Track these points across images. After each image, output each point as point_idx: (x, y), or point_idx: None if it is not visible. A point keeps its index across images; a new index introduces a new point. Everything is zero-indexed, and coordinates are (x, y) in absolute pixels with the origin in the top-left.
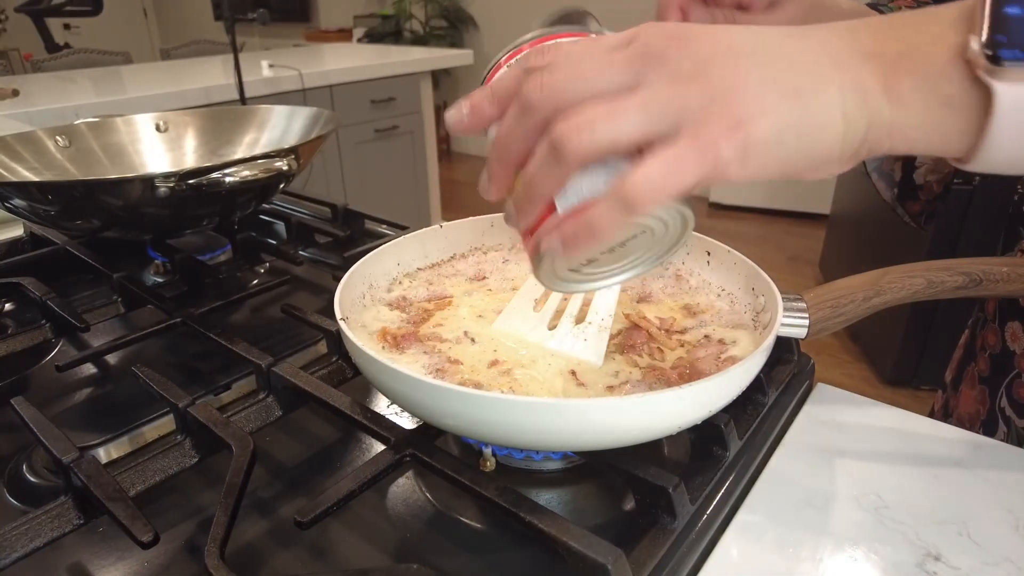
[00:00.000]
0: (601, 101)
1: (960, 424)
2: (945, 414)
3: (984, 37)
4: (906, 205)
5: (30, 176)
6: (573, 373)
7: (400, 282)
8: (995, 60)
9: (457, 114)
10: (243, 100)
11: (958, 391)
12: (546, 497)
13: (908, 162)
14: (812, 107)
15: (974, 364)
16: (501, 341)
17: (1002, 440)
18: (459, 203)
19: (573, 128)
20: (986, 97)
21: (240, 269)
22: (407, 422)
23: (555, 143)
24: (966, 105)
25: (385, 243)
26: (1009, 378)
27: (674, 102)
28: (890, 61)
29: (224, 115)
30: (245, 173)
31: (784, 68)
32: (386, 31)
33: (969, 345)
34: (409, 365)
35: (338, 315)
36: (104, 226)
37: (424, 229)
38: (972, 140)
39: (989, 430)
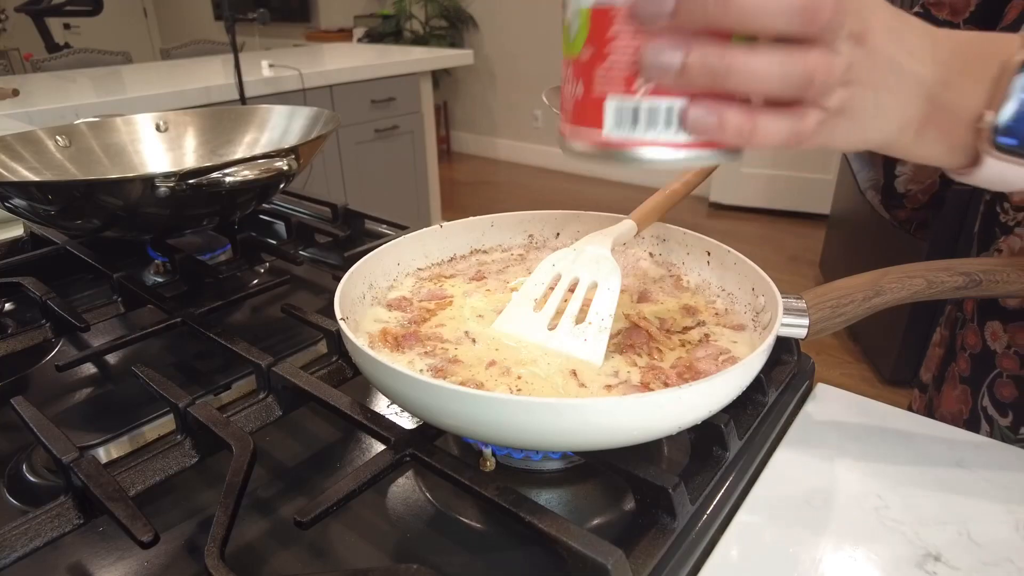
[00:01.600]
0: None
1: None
2: (927, 414)
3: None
4: (892, 212)
5: (30, 176)
6: (573, 373)
7: (400, 282)
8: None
9: None
10: (243, 100)
11: (940, 391)
12: (546, 497)
13: (889, 171)
14: (890, 122)
15: (955, 364)
16: (502, 341)
17: None
18: (459, 203)
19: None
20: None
21: (240, 269)
22: (407, 422)
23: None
24: (965, 151)
25: (385, 243)
26: (991, 377)
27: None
28: (935, 109)
29: (224, 115)
30: (245, 173)
31: (895, 85)
32: (386, 31)
33: (949, 344)
34: (409, 365)
35: (338, 315)
36: (104, 226)
37: (424, 229)
38: (965, 170)
39: (972, 429)
